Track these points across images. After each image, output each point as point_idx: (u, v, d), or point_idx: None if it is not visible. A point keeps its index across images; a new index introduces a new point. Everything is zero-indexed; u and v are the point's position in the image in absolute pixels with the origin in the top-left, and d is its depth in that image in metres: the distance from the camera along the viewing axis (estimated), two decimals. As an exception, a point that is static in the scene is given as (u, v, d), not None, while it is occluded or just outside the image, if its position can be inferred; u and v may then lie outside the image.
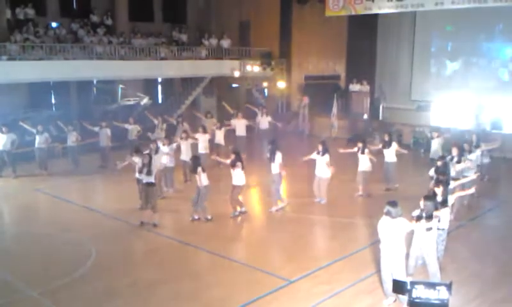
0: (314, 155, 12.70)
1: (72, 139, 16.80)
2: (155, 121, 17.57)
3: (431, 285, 6.64)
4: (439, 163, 10.71)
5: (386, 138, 13.86)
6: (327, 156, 12.54)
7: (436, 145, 14.30)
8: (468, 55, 22.80)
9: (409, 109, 23.57)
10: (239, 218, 11.97)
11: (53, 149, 17.49)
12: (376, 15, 22.68)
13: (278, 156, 12.11)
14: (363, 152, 13.19)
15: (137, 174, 11.85)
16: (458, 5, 18.21)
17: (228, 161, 11.87)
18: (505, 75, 21.91)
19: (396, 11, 20.73)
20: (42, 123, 16.75)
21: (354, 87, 23.60)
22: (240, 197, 12.07)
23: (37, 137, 16.27)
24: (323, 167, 12.59)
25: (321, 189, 12.80)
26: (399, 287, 6.89)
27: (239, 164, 11.59)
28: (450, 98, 22.71)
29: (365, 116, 22.56)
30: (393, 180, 13.90)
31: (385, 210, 7.50)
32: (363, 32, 23.72)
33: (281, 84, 24.57)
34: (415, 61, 24.23)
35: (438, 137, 14.43)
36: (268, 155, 12.27)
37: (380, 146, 13.98)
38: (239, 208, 12.06)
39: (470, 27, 22.19)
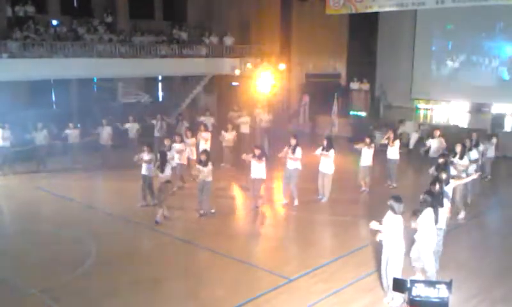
0: (319, 151, 12.73)
1: (73, 138, 16.76)
2: (154, 122, 17.63)
3: (431, 284, 6.64)
4: (440, 160, 10.63)
5: (391, 135, 13.90)
6: (332, 152, 12.60)
7: (436, 144, 14.35)
8: (469, 54, 22.82)
9: (409, 108, 23.62)
10: (241, 214, 12.01)
11: (53, 147, 17.45)
12: (377, 13, 22.70)
13: (299, 151, 12.31)
14: (369, 147, 13.37)
15: (143, 171, 12.12)
16: (459, 3, 18.20)
17: (250, 156, 12.14)
18: (506, 74, 21.92)
19: (397, 10, 20.73)
20: (42, 121, 16.71)
21: (355, 85, 23.61)
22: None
23: (37, 135, 16.27)
24: (328, 163, 12.66)
25: (325, 186, 12.86)
26: (399, 285, 6.90)
27: (263, 157, 12.01)
28: (450, 97, 22.74)
29: (364, 114, 22.57)
30: (393, 178, 13.95)
31: (389, 204, 7.53)
32: (364, 30, 23.74)
33: (282, 83, 24.52)
34: (416, 59, 24.27)
35: (439, 136, 14.47)
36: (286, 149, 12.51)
37: (386, 141, 14.04)
38: (260, 202, 12.46)
39: (470, 26, 22.21)
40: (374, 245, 9.67)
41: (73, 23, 22.25)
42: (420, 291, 6.51)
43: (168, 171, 11.38)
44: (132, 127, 17.48)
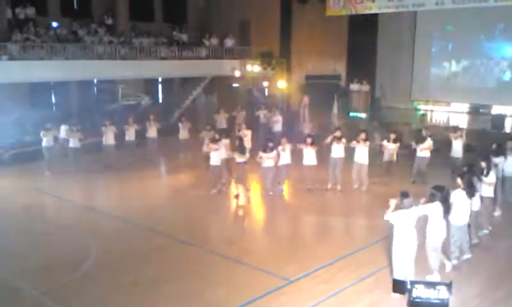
0: (354, 144, 13.65)
1: (76, 139, 16.58)
2: (147, 123, 17.75)
3: (431, 285, 6.65)
4: (483, 164, 10.38)
5: (423, 133, 14.67)
6: (368, 143, 13.67)
7: (457, 144, 14.51)
8: (469, 55, 22.82)
9: (409, 109, 23.63)
10: (241, 215, 12.01)
11: (57, 148, 17.29)
12: (377, 14, 22.70)
13: (344, 140, 13.76)
14: (394, 142, 14.16)
15: (213, 162, 13.50)
16: (459, 5, 18.22)
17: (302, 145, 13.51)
18: (506, 75, 21.93)
19: (396, 11, 20.74)
20: (40, 123, 16.63)
21: (355, 87, 23.63)
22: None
23: (46, 135, 15.92)
24: (364, 154, 13.54)
25: (362, 175, 13.70)
26: (398, 287, 6.91)
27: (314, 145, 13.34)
28: (450, 98, 22.73)
29: (364, 116, 22.57)
30: (423, 174, 14.20)
31: (399, 201, 7.67)
32: (364, 32, 23.72)
33: (282, 84, 24.57)
34: (416, 61, 24.26)
35: (460, 136, 14.66)
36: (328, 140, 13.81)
37: (413, 142, 14.57)
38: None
39: (470, 27, 22.21)
40: (374, 247, 9.71)
41: (73, 25, 22.29)
42: (421, 292, 6.52)
43: (247, 154, 13.36)
44: (129, 128, 17.48)
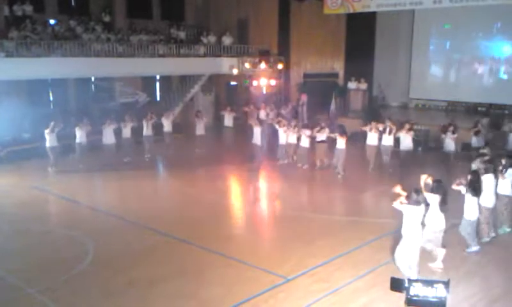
0: (399, 133, 14.96)
1: (83, 137, 16.41)
2: (144, 122, 17.84)
3: (429, 283, 6.64)
4: (503, 161, 10.31)
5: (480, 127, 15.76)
6: (412, 133, 14.93)
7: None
8: (467, 54, 22.87)
9: (407, 107, 23.65)
10: (238, 214, 11.99)
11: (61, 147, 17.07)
12: (374, 13, 22.71)
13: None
14: (454, 132, 15.30)
15: (304, 144, 15.53)
16: (456, 3, 18.25)
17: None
18: (503, 73, 21.97)
19: (394, 9, 20.75)
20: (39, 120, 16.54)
21: (352, 85, 23.64)
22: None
23: (49, 135, 15.71)
24: (409, 141, 14.81)
25: (407, 160, 14.79)
26: (396, 285, 6.90)
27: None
28: (448, 96, 22.75)
29: (360, 114, 22.58)
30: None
31: (411, 197, 7.84)
32: (362, 30, 23.75)
33: (280, 82, 24.56)
34: (414, 59, 24.31)
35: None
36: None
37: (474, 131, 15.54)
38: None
39: (468, 26, 22.26)
40: (371, 245, 9.72)
41: (70, 22, 22.20)
42: (418, 290, 6.50)
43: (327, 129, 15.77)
44: (126, 126, 17.44)
